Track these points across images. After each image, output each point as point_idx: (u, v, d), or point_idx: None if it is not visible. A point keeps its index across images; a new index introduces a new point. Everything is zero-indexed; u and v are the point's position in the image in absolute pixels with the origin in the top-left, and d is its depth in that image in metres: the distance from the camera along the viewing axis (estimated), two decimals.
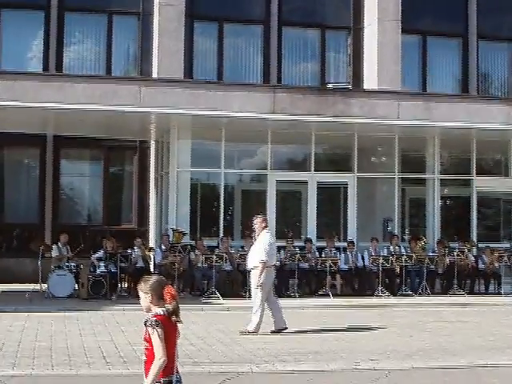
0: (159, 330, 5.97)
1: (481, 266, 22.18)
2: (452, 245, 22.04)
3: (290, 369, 10.94)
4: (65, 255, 20.34)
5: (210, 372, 10.62)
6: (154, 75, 23.72)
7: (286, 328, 14.27)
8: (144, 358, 6.13)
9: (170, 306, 6.08)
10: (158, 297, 6.13)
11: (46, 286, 19.28)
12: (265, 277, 14.22)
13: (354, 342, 13.39)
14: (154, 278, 6.25)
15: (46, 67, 24.08)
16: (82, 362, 11.14)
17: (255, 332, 14.15)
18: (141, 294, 6.23)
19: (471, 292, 21.72)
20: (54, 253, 20.18)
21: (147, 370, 6.02)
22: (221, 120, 20.45)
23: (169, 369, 6.02)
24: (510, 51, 28.23)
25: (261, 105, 19.98)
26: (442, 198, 24.05)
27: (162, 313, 6.07)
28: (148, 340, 6.03)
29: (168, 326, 6.07)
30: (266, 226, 14.70)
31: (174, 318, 6.11)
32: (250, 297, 18.89)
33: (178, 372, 6.14)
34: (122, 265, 19.79)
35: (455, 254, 21.32)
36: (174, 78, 22.19)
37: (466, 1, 27.55)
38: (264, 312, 14.34)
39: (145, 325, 6.05)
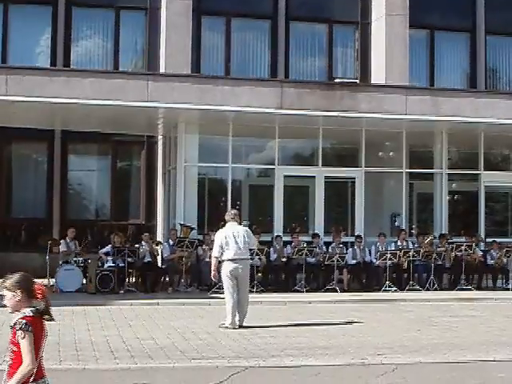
0: (29, 334, 5.42)
1: (489, 261, 22.17)
2: (458, 239, 22.02)
3: (297, 363, 10.94)
4: (73, 250, 20.41)
5: (218, 366, 10.63)
6: (162, 70, 23.70)
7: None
8: (9, 361, 5.55)
9: (41, 305, 5.55)
10: (28, 295, 5.54)
11: (54, 280, 19.33)
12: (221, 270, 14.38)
13: (362, 337, 13.39)
14: (19, 274, 5.60)
15: (53, 62, 24.11)
16: (90, 356, 11.16)
17: (229, 326, 14.04)
18: (6, 292, 5.54)
19: (479, 287, 21.71)
20: (62, 247, 20.26)
21: (11, 374, 5.46)
22: (228, 115, 20.47)
23: (36, 373, 5.49)
24: None
25: (268, 100, 19.97)
26: (449, 192, 24.02)
27: (31, 314, 5.51)
28: (15, 344, 5.46)
29: (37, 328, 5.52)
30: (229, 220, 14.67)
31: (46, 317, 5.60)
32: (256, 291, 19.20)
33: (44, 376, 5.62)
34: (130, 259, 19.84)
35: (463, 248, 21.32)
36: (181, 73, 22.17)
37: None
38: (231, 305, 14.23)
39: (12, 327, 5.48)
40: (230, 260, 14.25)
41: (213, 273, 14.46)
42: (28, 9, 24.52)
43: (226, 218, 14.79)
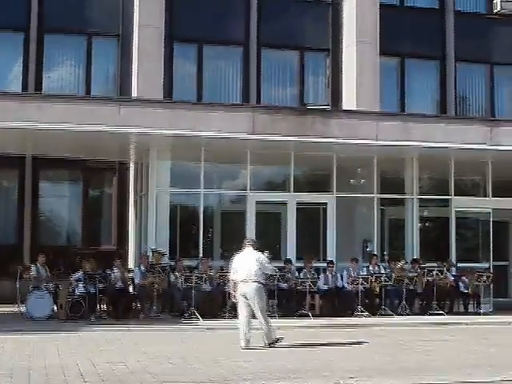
0: None
1: (462, 288, 22.29)
2: (430, 264, 22.11)
3: None
4: (43, 276, 20.22)
5: None
6: (134, 96, 23.70)
7: None
8: None
9: None
10: None
11: (24, 307, 19.12)
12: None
13: (334, 361, 13.36)
14: None
15: (25, 88, 24.06)
16: (61, 380, 11.03)
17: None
18: None
19: (450, 311, 21.78)
20: (33, 273, 20.07)
21: None
22: (200, 140, 20.46)
23: None
24: (487, 73, 28.50)
25: (240, 125, 20.03)
26: (421, 218, 24.13)
27: None
28: None
29: None
30: (245, 246, 15.56)
31: None
32: (229, 317, 19.20)
33: None
34: (101, 286, 19.70)
35: (434, 273, 21.42)
36: (153, 98, 22.19)
37: (443, 24, 27.88)
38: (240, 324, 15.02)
39: None
40: (240, 281, 15.04)
41: (231, 294, 15.66)
42: (0, 35, 24.44)
43: (244, 243, 15.70)
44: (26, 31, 24.51)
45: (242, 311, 14.99)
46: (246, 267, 15.02)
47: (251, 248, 15.39)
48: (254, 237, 21.57)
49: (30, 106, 18.90)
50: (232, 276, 15.39)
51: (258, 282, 15.03)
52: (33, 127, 18.68)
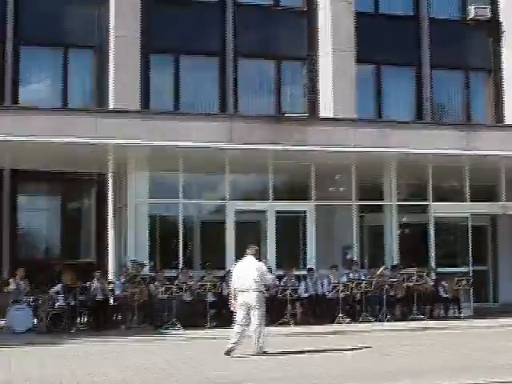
0: None
1: (442, 293, 22.38)
2: (409, 270, 22.19)
3: None
4: (23, 289, 20.12)
5: None
6: (111, 107, 23.67)
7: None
8: None
9: None
10: None
11: (4, 320, 19.02)
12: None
13: (316, 367, 13.37)
14: None
15: (1, 100, 23.93)
16: None
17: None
18: None
19: (431, 316, 21.86)
20: (12, 287, 19.98)
21: None
22: (178, 150, 20.42)
23: None
24: (462, 79, 28.68)
25: (218, 134, 20.02)
26: (400, 224, 24.22)
27: None
28: None
29: None
30: (247, 254, 15.64)
31: None
32: (210, 327, 19.25)
33: None
34: (81, 298, 19.64)
35: (414, 279, 21.50)
36: (130, 109, 22.18)
37: (418, 32, 28.05)
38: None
39: None
40: (240, 290, 15.12)
41: (230, 302, 15.51)
42: None
43: (246, 251, 15.73)
44: (2, 43, 24.40)
45: (239, 319, 15.01)
46: (247, 276, 15.08)
47: (252, 257, 15.46)
48: (232, 245, 21.80)
49: (6, 119, 18.81)
50: (232, 285, 15.42)
51: (259, 291, 15.17)
52: (9, 140, 18.56)
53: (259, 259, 15.83)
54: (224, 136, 20.05)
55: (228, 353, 14.65)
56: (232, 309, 15.53)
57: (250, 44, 26.42)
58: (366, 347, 16.24)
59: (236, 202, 22.39)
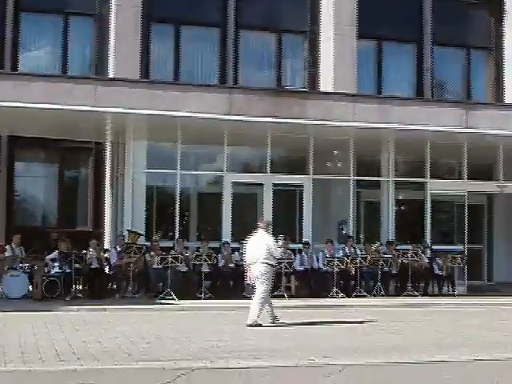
0: None
1: (436, 270, 22.45)
2: (404, 247, 22.25)
3: (244, 365, 10.94)
4: (18, 256, 20.16)
5: (165, 368, 10.57)
6: (111, 76, 23.58)
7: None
8: None
9: None
10: None
11: None
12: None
13: (309, 341, 13.45)
14: None
15: (1, 67, 23.82)
16: (36, 358, 11.04)
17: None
18: None
19: (425, 293, 21.95)
20: (8, 253, 20.01)
21: None
22: (177, 120, 20.37)
23: None
24: (463, 57, 28.59)
25: (217, 106, 19.93)
26: (396, 201, 24.24)
27: None
28: None
29: None
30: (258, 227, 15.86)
31: None
32: (205, 298, 19.37)
33: None
34: (77, 266, 19.68)
35: (409, 255, 21.57)
36: (130, 78, 22.10)
37: (420, 8, 27.86)
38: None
39: None
40: (250, 263, 15.57)
41: (246, 275, 15.95)
42: None
43: (258, 224, 16.04)
44: (2, 9, 24.26)
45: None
46: (256, 249, 15.41)
47: (263, 230, 15.68)
48: (229, 217, 21.86)
49: (6, 85, 18.74)
50: (246, 258, 15.78)
51: (267, 264, 15.37)
52: (8, 106, 18.51)
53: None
54: (223, 107, 19.98)
55: (273, 321, 15.45)
56: (247, 281, 16.03)
57: (251, 16, 26.29)
58: (358, 322, 16.32)
59: (233, 174, 22.38)
